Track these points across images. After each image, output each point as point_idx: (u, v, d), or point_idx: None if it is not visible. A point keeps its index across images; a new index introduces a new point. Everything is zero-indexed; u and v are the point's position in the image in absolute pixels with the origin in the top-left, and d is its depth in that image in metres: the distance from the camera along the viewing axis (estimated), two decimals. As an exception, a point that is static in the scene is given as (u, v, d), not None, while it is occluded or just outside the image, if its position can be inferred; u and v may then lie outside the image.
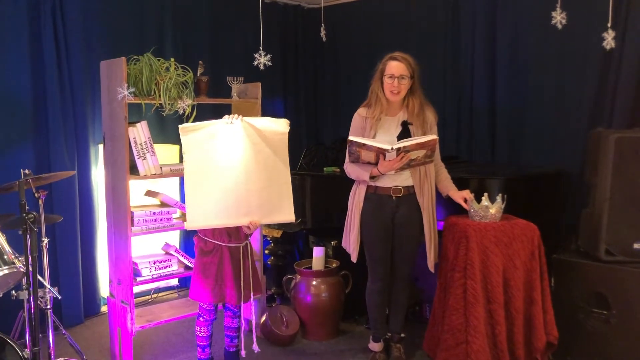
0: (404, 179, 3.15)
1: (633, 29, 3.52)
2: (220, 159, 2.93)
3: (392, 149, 2.92)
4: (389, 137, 3.11)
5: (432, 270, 3.25)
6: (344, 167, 3.26)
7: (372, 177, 3.12)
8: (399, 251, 3.25)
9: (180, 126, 2.92)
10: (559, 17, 3.46)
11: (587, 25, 3.67)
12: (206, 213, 2.92)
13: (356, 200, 3.23)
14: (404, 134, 3.13)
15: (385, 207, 3.17)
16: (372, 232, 3.21)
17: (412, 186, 3.16)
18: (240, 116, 2.99)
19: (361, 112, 3.21)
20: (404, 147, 2.94)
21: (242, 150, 2.96)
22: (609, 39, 3.40)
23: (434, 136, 3.02)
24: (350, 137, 3.05)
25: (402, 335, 3.45)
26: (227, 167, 2.93)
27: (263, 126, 3.02)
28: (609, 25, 3.39)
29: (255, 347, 3.21)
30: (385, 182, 3.15)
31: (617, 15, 3.50)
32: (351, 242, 3.25)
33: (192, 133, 2.92)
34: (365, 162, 3.09)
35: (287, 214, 3.08)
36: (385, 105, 3.13)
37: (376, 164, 3.06)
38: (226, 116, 2.98)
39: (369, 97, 3.19)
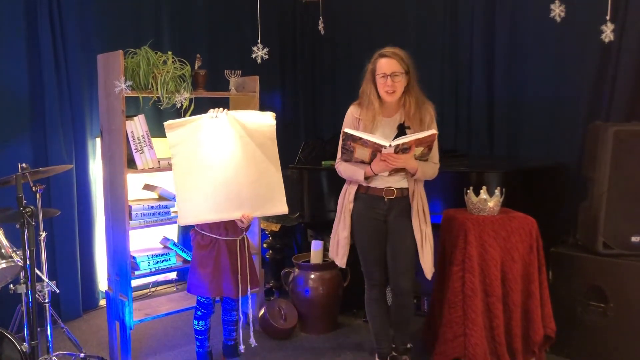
0: (398, 181, 2.93)
1: (632, 21, 3.51)
2: (208, 154, 2.92)
3: (390, 145, 2.75)
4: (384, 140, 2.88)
5: (429, 278, 2.99)
6: (336, 166, 3.06)
7: (365, 178, 2.92)
8: (395, 263, 2.99)
9: (165, 123, 2.91)
10: (557, 10, 3.45)
11: (586, 18, 3.65)
12: (198, 208, 2.92)
13: (346, 201, 3.04)
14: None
15: (376, 208, 2.96)
16: (365, 235, 3.01)
17: (407, 189, 2.94)
18: (226, 110, 2.98)
19: (354, 111, 2.98)
20: (403, 143, 2.77)
21: (230, 143, 2.94)
22: (607, 32, 3.39)
23: (433, 131, 2.83)
24: (346, 130, 2.82)
25: (409, 345, 3.17)
26: (215, 162, 2.92)
27: (249, 119, 3.00)
28: (607, 18, 3.38)
29: (253, 340, 3.21)
30: (378, 183, 2.94)
31: (616, 8, 3.49)
32: (340, 246, 3.04)
33: (178, 129, 2.91)
34: (359, 160, 2.91)
35: (279, 206, 3.07)
36: (378, 108, 2.91)
37: (369, 163, 2.87)
38: (211, 110, 2.97)
39: (360, 97, 2.97)
